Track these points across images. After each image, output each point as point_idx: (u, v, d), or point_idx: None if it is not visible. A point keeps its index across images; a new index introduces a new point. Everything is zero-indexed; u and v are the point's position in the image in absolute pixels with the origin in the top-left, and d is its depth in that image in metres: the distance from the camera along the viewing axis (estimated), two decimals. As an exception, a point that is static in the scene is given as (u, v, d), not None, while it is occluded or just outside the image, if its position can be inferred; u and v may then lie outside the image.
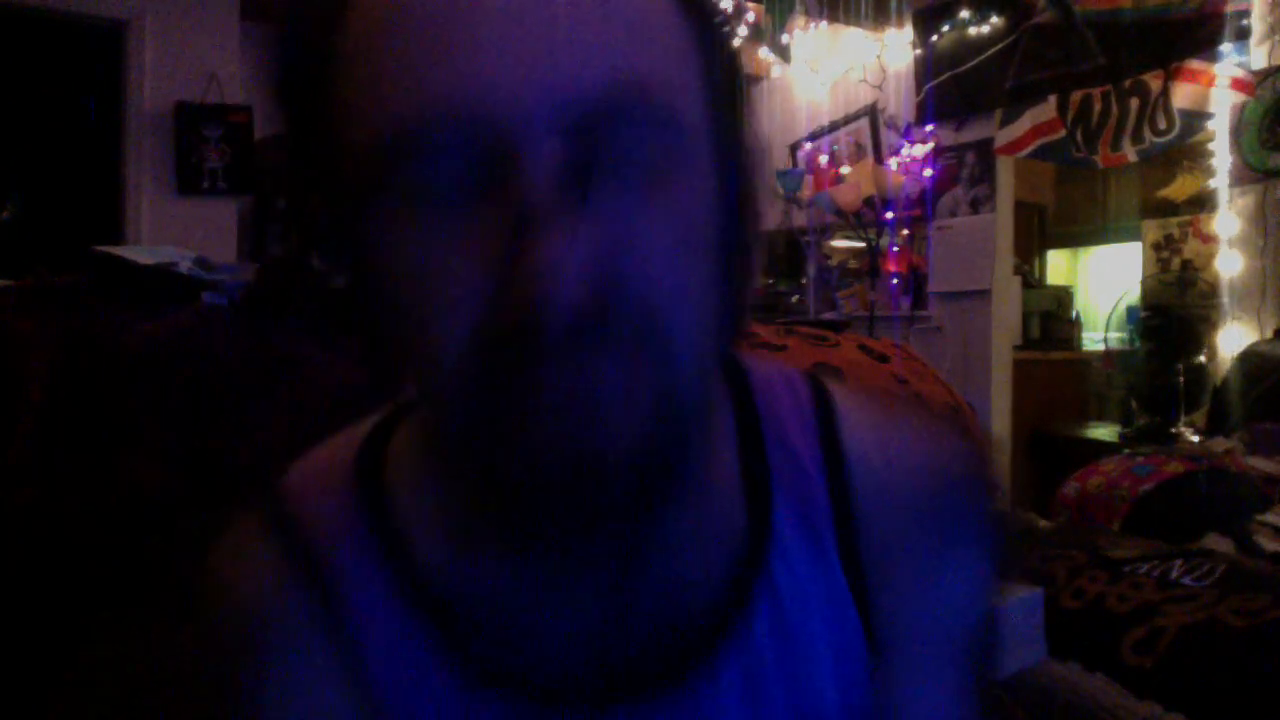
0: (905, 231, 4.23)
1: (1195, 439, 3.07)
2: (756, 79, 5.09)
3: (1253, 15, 3.06)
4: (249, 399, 1.26)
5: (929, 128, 4.03)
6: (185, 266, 1.46)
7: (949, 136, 4.00)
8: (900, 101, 4.22)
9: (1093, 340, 5.08)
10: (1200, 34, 3.11)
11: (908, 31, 4.12)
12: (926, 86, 4.02)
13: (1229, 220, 3.27)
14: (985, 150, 3.87)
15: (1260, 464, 2.40)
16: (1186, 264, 5.14)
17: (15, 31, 3.65)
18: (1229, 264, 3.27)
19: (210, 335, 1.30)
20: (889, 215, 4.09)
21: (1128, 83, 3.36)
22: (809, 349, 1.96)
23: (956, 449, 0.50)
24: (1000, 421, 3.91)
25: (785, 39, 4.20)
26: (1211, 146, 3.31)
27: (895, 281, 4.21)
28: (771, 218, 4.99)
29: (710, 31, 0.39)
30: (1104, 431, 4.01)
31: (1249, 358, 3.03)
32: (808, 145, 4.68)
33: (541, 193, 0.32)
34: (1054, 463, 3.64)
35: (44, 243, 3.26)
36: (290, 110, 0.40)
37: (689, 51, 0.37)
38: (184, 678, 0.49)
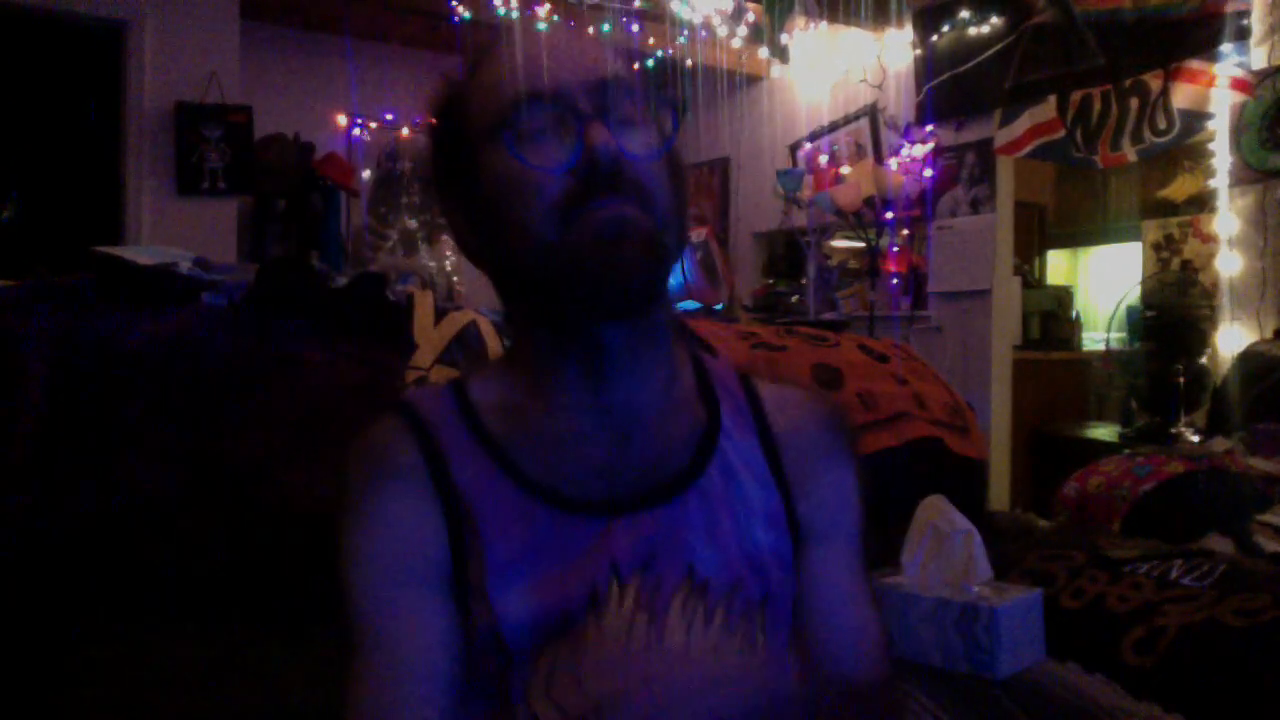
0: (905, 231, 4.23)
1: (1195, 439, 3.07)
2: (756, 79, 5.10)
3: (1253, 15, 3.07)
4: (249, 399, 1.26)
5: (929, 128, 4.03)
6: (185, 267, 1.46)
7: (949, 136, 4.00)
8: (900, 101, 4.22)
9: (1093, 340, 5.08)
10: (1200, 34, 3.11)
11: (908, 31, 4.12)
12: (926, 86, 4.02)
13: (1229, 220, 3.26)
14: (985, 150, 3.87)
15: (1260, 464, 2.39)
16: (1186, 264, 5.13)
17: (15, 31, 3.65)
18: (1229, 264, 3.27)
19: (210, 335, 1.30)
20: (889, 215, 4.10)
21: (1127, 82, 3.36)
22: (809, 349, 1.96)
23: (832, 407, 0.80)
24: (1000, 421, 3.91)
25: (785, 39, 4.20)
26: (1211, 146, 3.31)
27: (895, 281, 4.21)
28: (771, 218, 4.99)
29: (636, 63, 0.73)
30: (1104, 431, 4.01)
31: (1249, 358, 3.03)
32: (808, 145, 4.68)
33: (589, 117, 0.66)
34: (1054, 463, 3.63)
35: (44, 243, 3.27)
36: (442, 115, 0.74)
37: (637, 68, 0.72)
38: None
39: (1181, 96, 3.22)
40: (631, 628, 0.66)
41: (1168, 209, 5.29)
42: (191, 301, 1.37)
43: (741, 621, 0.68)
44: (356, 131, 4.94)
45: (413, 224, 5.13)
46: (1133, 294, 4.24)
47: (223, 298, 1.39)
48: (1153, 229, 5.42)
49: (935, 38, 3.98)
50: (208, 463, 1.20)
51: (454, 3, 4.24)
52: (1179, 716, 1.13)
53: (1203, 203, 3.90)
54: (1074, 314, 5.13)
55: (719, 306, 4.46)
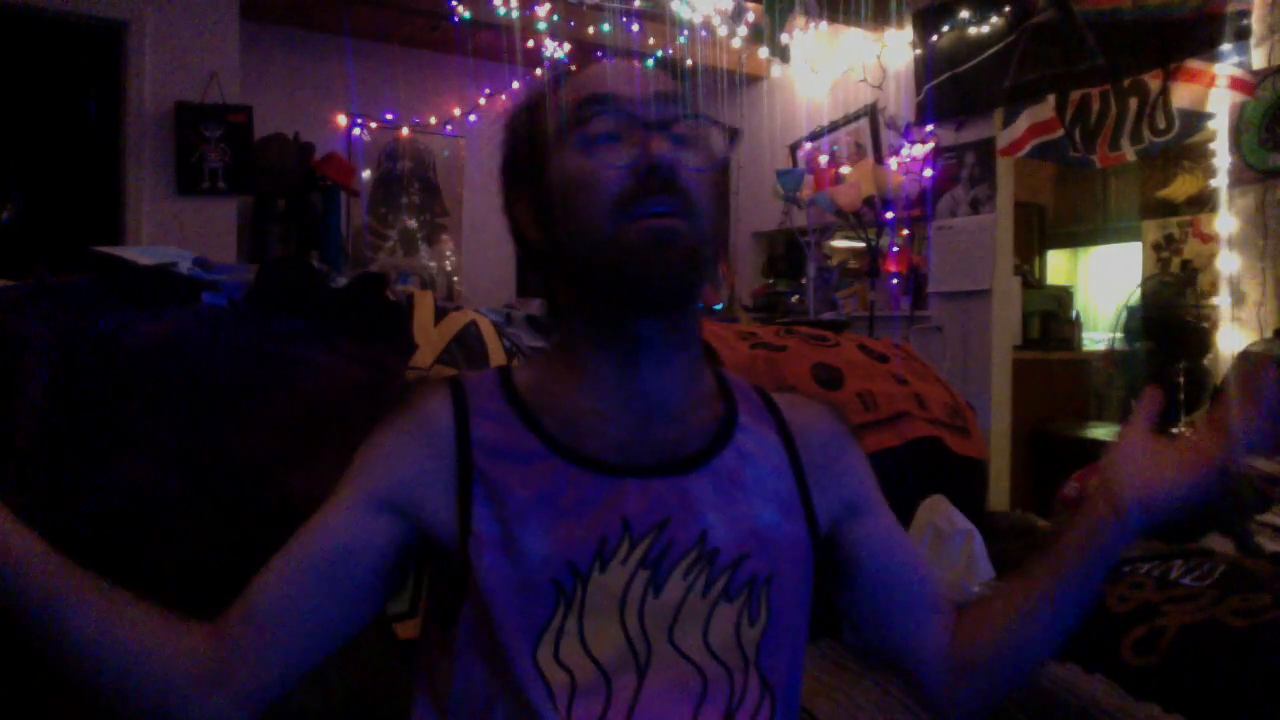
0: (905, 231, 4.22)
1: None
2: (756, 79, 5.10)
3: (1253, 15, 3.06)
4: (249, 399, 1.26)
5: (929, 128, 4.03)
6: (185, 266, 1.46)
7: (949, 136, 4.00)
8: (900, 101, 4.22)
9: (1093, 340, 5.08)
10: (1200, 34, 3.11)
11: (908, 31, 4.12)
12: (926, 86, 4.02)
13: (1229, 220, 3.26)
14: (985, 150, 3.87)
15: (1260, 464, 2.39)
16: (1186, 264, 5.14)
17: (15, 31, 3.65)
18: (1229, 264, 3.27)
19: (210, 335, 1.30)
20: (889, 215, 4.10)
21: (1126, 82, 3.36)
22: (809, 349, 1.96)
23: (833, 411, 0.88)
24: (1000, 421, 3.90)
25: (785, 39, 4.20)
26: (1212, 146, 3.31)
27: (895, 281, 4.21)
28: (771, 218, 4.99)
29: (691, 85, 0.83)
30: (1104, 431, 4.01)
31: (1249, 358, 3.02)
32: (808, 145, 4.67)
33: (653, 128, 0.73)
34: (1054, 463, 3.63)
35: (44, 243, 3.26)
36: (521, 114, 0.81)
37: (698, 96, 0.80)
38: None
39: (1181, 96, 3.22)
40: (631, 582, 0.70)
41: (1168, 209, 5.29)
42: (191, 301, 1.37)
43: (744, 591, 0.73)
44: (356, 131, 4.93)
45: (413, 224, 5.13)
46: (1133, 294, 4.24)
47: (223, 298, 1.39)
48: (1153, 229, 5.42)
49: (935, 38, 3.98)
50: (208, 463, 1.20)
51: (454, 3, 4.24)
52: (1179, 716, 1.13)
53: (1203, 203, 3.90)
54: (1074, 314, 5.13)
55: (719, 306, 4.46)
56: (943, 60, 3.95)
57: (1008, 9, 3.67)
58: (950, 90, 3.93)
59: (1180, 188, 5.08)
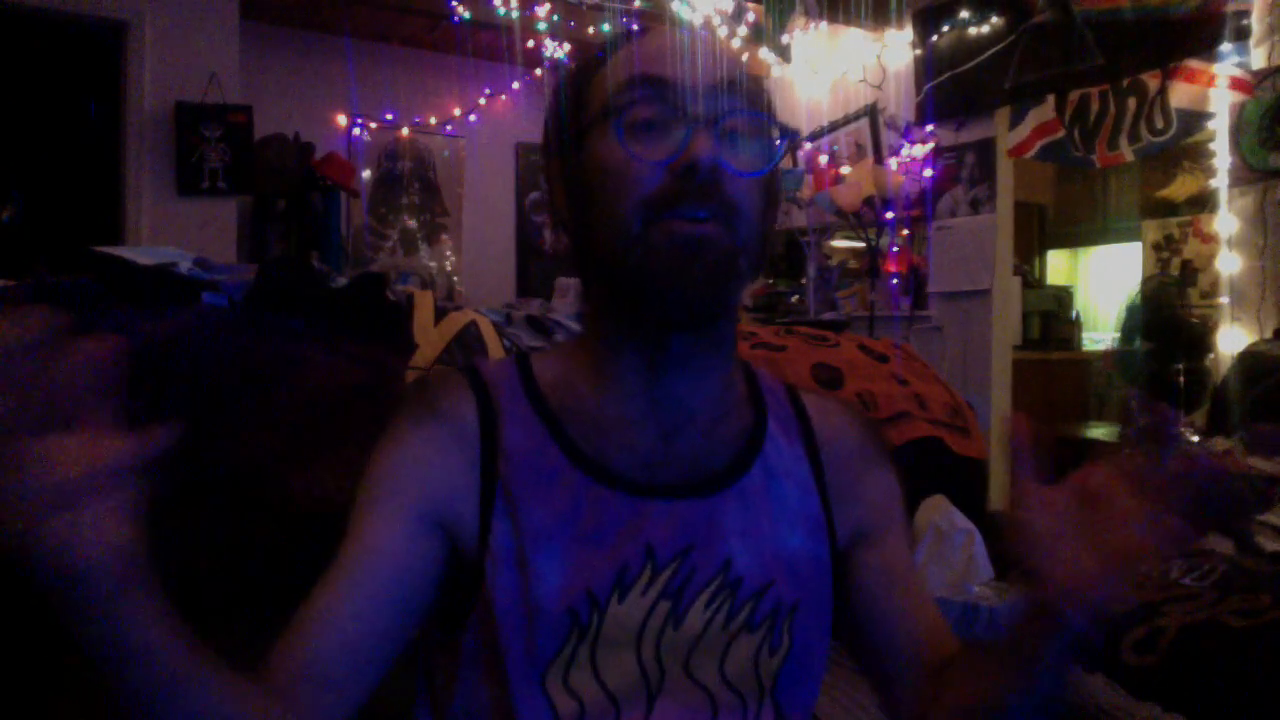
0: (905, 231, 4.22)
1: (1195, 439, 3.07)
2: (756, 79, 5.09)
3: (1252, 15, 3.06)
4: (249, 399, 1.26)
5: (929, 128, 4.03)
6: (185, 267, 1.46)
7: (949, 136, 4.00)
8: (900, 101, 4.21)
9: (1093, 340, 5.08)
10: (1200, 34, 3.11)
11: (908, 31, 4.12)
12: (926, 86, 4.02)
13: (1229, 220, 3.26)
14: (985, 150, 3.87)
15: (1260, 464, 2.39)
16: (1186, 264, 5.14)
17: (15, 31, 3.65)
18: (1229, 264, 3.27)
19: (210, 335, 1.30)
20: (889, 215, 4.09)
21: (1125, 82, 3.36)
22: (809, 349, 1.96)
23: (866, 420, 0.84)
24: (1000, 421, 3.90)
25: (785, 39, 4.20)
26: (1211, 146, 3.31)
27: (895, 281, 4.20)
28: (771, 218, 4.98)
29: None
30: (1104, 431, 4.01)
31: (1249, 358, 3.03)
32: (808, 145, 4.67)
33: (698, 122, 0.66)
34: (1054, 463, 3.63)
35: (44, 243, 3.26)
36: (564, 93, 0.74)
37: (761, 86, 0.74)
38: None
39: (1180, 96, 3.21)
40: (650, 613, 0.67)
41: (1168, 209, 5.29)
42: (191, 301, 1.37)
43: (767, 620, 0.70)
44: (356, 131, 4.93)
45: (413, 224, 5.13)
46: (1133, 294, 4.24)
47: (223, 298, 1.39)
48: (1153, 229, 5.42)
49: (935, 38, 3.98)
50: (208, 463, 1.20)
51: (454, 3, 4.24)
52: (1179, 716, 1.13)
53: (1203, 203, 3.90)
54: (1074, 314, 5.13)
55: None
56: (943, 60, 3.95)
57: (1008, 9, 3.67)
58: (950, 90, 3.93)
59: (1180, 188, 5.08)
